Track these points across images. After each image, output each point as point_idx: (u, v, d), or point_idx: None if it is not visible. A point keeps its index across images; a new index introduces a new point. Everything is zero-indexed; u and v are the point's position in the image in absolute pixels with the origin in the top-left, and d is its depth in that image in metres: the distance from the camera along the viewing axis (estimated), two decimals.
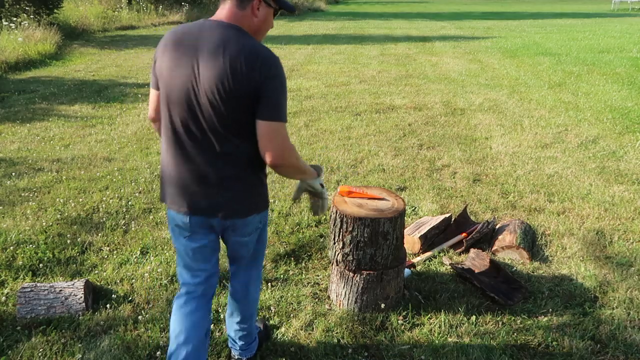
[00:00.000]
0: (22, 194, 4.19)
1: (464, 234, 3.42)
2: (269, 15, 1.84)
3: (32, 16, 13.23)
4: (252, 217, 1.94)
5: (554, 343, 2.51)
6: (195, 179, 1.84)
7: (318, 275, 3.08)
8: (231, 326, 2.29)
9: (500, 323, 2.65)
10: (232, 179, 1.84)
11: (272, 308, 2.76)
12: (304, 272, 3.12)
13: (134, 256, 3.28)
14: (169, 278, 3.03)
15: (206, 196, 1.85)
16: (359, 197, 2.73)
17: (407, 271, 3.01)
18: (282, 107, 1.75)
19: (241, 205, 1.89)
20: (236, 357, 2.33)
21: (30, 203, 4.03)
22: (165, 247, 3.39)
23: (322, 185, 2.10)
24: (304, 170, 1.96)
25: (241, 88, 1.69)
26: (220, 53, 1.70)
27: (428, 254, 3.25)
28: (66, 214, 3.86)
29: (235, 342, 2.31)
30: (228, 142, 1.78)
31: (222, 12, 1.79)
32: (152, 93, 1.91)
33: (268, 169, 1.91)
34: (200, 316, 2.03)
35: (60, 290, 2.69)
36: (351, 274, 2.64)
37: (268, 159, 1.77)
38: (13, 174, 4.60)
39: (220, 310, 2.74)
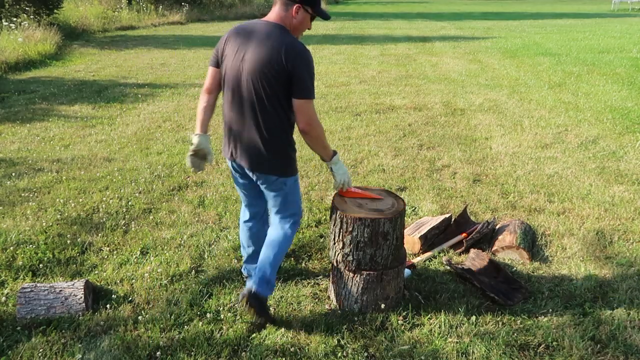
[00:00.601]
0: (22, 194, 4.19)
1: (464, 234, 3.42)
2: (306, 18, 2.37)
3: (32, 16, 13.23)
4: (274, 178, 2.51)
5: (554, 343, 2.50)
6: (235, 136, 2.50)
7: (318, 276, 3.08)
8: (254, 262, 2.85)
9: (500, 323, 2.65)
10: (258, 141, 2.42)
11: (272, 308, 2.76)
12: (304, 272, 3.12)
13: (134, 256, 3.28)
14: (169, 278, 3.03)
15: (240, 150, 2.50)
16: (359, 197, 2.72)
17: (407, 271, 3.00)
18: (310, 89, 2.31)
19: (262, 163, 2.48)
20: (248, 286, 2.59)
21: (30, 203, 4.03)
22: (166, 248, 3.40)
23: (331, 169, 2.59)
24: (324, 145, 2.47)
25: (278, 73, 2.27)
26: (264, 44, 2.29)
27: (428, 254, 3.25)
28: (66, 214, 3.86)
29: (252, 276, 2.71)
30: (259, 113, 2.38)
31: (272, 14, 2.36)
32: (210, 70, 2.54)
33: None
34: (255, 231, 2.84)
35: (60, 291, 2.69)
36: (351, 274, 2.64)
37: (299, 125, 2.36)
38: (13, 174, 4.61)
39: (220, 310, 2.74)
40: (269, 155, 2.45)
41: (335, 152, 2.54)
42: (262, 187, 2.59)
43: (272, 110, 2.37)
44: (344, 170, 2.61)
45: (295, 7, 2.31)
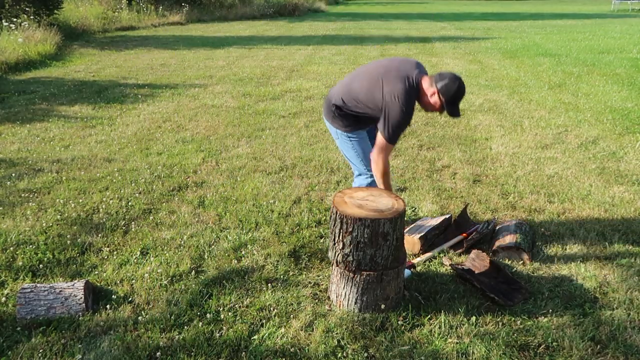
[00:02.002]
0: (22, 195, 4.19)
1: (463, 235, 3.42)
2: (436, 103, 2.74)
3: (32, 17, 13.23)
4: (330, 126, 3.13)
5: (554, 344, 2.50)
6: None
7: (318, 276, 3.08)
8: None
9: (501, 324, 2.65)
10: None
11: (272, 308, 2.76)
12: (304, 272, 3.12)
13: (134, 257, 3.28)
14: (169, 279, 3.03)
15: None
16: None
17: (407, 272, 3.01)
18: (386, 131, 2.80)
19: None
20: None
21: (30, 204, 4.03)
22: (165, 248, 3.40)
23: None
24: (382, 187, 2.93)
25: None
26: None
27: (428, 254, 3.25)
28: (66, 214, 3.86)
29: None
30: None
31: (426, 77, 2.80)
32: None
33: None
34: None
35: (60, 291, 2.69)
36: (351, 275, 2.64)
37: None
38: (13, 174, 4.61)
39: (220, 311, 2.74)
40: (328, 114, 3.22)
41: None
42: None
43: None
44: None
45: (433, 90, 2.71)
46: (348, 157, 3.22)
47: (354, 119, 3.03)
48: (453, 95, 2.71)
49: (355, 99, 2.93)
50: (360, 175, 3.21)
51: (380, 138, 2.80)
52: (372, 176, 3.11)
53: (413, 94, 2.74)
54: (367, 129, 3.17)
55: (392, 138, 2.77)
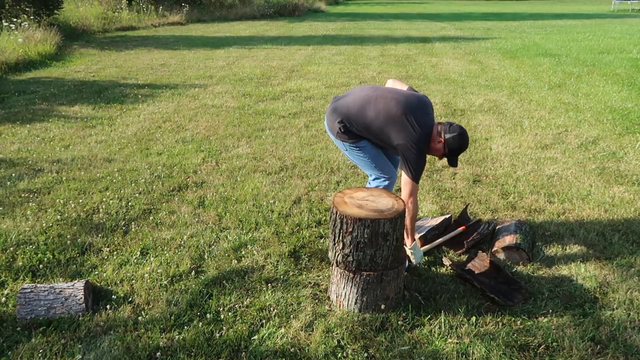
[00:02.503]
0: (22, 195, 4.19)
1: (463, 227, 3.44)
2: (440, 150, 2.88)
3: (32, 17, 13.23)
4: (335, 139, 3.17)
5: (554, 344, 2.50)
6: None
7: (318, 276, 3.08)
8: None
9: (501, 324, 2.65)
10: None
11: (272, 308, 2.76)
12: (304, 272, 3.12)
13: (134, 257, 3.28)
14: (169, 279, 3.03)
15: None
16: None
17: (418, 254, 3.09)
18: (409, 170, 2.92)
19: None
20: None
21: (30, 204, 4.03)
22: (165, 248, 3.40)
23: (411, 253, 3.05)
24: (408, 227, 2.98)
25: None
26: None
27: (426, 247, 3.27)
28: (66, 214, 3.86)
29: None
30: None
31: (436, 125, 2.92)
32: None
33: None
34: None
35: (60, 291, 2.69)
36: (351, 275, 2.64)
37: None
38: (13, 174, 4.61)
39: (220, 311, 2.74)
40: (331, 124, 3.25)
41: (414, 239, 3.04)
42: None
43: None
44: (420, 256, 3.08)
45: (439, 139, 2.86)
46: (360, 165, 3.25)
47: (360, 137, 3.08)
48: (457, 149, 2.87)
49: (367, 128, 2.99)
50: (377, 179, 3.23)
51: (407, 179, 2.90)
52: (388, 179, 3.19)
53: (426, 141, 2.88)
54: None
55: (417, 178, 2.90)
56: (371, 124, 2.95)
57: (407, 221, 2.92)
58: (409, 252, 3.03)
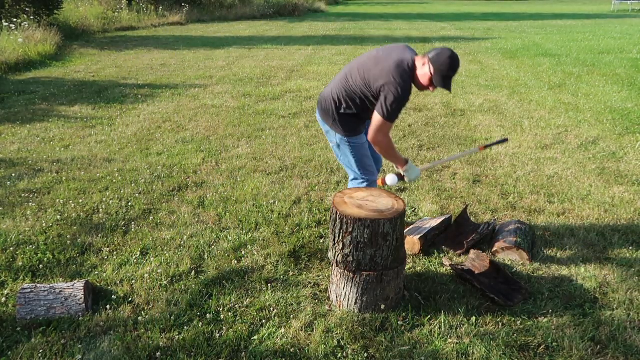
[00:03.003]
0: (22, 195, 4.19)
1: (481, 148, 3.41)
2: (426, 75, 2.70)
3: (32, 17, 13.23)
4: (329, 131, 3.07)
5: (554, 344, 2.50)
6: None
7: (318, 276, 3.08)
8: None
9: (501, 324, 2.65)
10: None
11: (272, 308, 2.76)
12: (304, 272, 3.12)
13: (134, 257, 3.28)
14: (169, 279, 3.03)
15: None
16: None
17: (393, 178, 3.06)
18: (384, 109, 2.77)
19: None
20: None
21: (30, 204, 4.03)
22: (165, 248, 3.40)
23: (401, 175, 3.01)
24: (391, 156, 2.91)
25: None
26: None
27: (434, 163, 3.32)
28: (66, 214, 3.86)
29: None
30: None
31: (419, 56, 2.80)
32: None
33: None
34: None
35: (60, 291, 2.69)
36: (351, 275, 2.64)
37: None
38: (13, 175, 4.61)
39: (220, 311, 2.74)
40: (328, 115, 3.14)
41: (406, 161, 2.96)
42: None
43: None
44: (416, 174, 3.00)
45: (424, 59, 2.72)
46: (344, 162, 3.19)
47: (355, 119, 3.00)
48: (443, 63, 2.65)
49: (354, 90, 2.91)
50: (355, 179, 3.19)
51: (376, 117, 2.76)
52: (367, 181, 3.14)
53: (409, 73, 2.73)
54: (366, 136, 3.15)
55: (391, 115, 2.73)
56: (356, 82, 2.89)
57: (386, 155, 2.92)
58: (402, 172, 3.00)
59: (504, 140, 3.35)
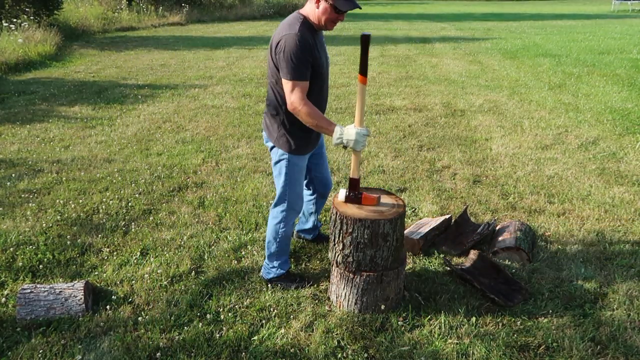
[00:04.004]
0: (22, 195, 4.19)
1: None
2: (327, 10, 2.43)
3: (32, 17, 13.24)
4: (272, 148, 2.76)
5: (554, 344, 2.50)
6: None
7: (318, 277, 3.07)
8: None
9: (501, 324, 2.65)
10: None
11: (272, 309, 2.76)
12: (304, 273, 3.12)
13: (134, 257, 3.28)
14: (169, 279, 3.03)
15: None
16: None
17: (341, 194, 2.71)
18: (286, 69, 2.45)
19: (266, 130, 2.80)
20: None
21: (30, 204, 4.03)
22: (165, 249, 3.39)
23: (343, 143, 2.53)
24: (317, 125, 2.54)
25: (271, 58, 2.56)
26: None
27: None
28: (66, 215, 3.86)
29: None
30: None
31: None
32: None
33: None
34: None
35: (60, 292, 2.69)
36: (351, 275, 2.64)
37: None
38: (13, 175, 4.61)
39: (220, 311, 2.74)
40: (269, 129, 2.78)
41: (335, 127, 2.53)
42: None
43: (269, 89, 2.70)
44: (355, 137, 2.49)
45: None
46: (276, 182, 2.83)
47: (299, 129, 2.66)
48: None
49: (276, 90, 2.62)
50: (277, 205, 2.85)
51: (283, 82, 2.49)
52: (287, 210, 2.83)
53: (300, 20, 2.48)
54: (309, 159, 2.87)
55: (294, 71, 2.43)
56: (272, 85, 2.64)
57: (308, 122, 2.51)
58: (337, 140, 2.52)
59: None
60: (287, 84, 2.48)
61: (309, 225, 3.36)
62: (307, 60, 2.46)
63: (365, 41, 2.43)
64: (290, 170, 2.75)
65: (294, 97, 2.47)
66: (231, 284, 2.99)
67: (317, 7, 2.46)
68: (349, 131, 2.50)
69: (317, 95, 2.64)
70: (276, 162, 2.77)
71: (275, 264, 2.95)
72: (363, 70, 2.49)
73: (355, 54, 12.31)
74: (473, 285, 2.92)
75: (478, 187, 4.40)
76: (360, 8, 2.50)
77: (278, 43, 2.47)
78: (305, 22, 2.51)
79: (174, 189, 4.38)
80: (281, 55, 2.44)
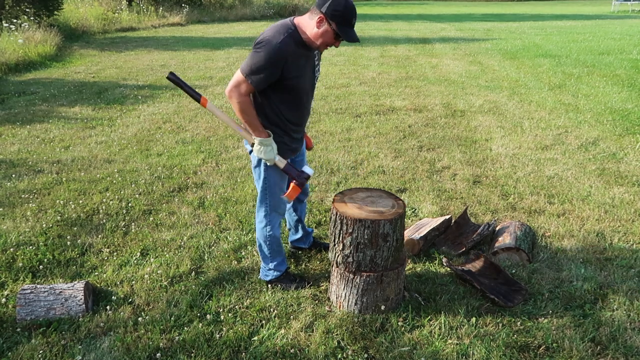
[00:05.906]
0: (22, 196, 4.19)
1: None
2: (328, 32, 2.35)
3: (32, 18, 13.24)
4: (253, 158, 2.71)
5: (554, 345, 2.50)
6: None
7: (318, 277, 3.07)
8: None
9: (501, 325, 2.65)
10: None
11: (272, 309, 2.76)
12: (304, 273, 3.12)
13: (134, 258, 3.28)
14: (169, 280, 3.03)
15: None
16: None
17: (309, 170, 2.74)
18: (246, 63, 2.38)
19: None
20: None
21: (30, 204, 4.03)
22: (165, 249, 3.40)
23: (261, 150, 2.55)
24: (248, 122, 2.50)
25: None
26: None
27: None
28: (66, 215, 3.86)
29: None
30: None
31: (302, 16, 2.44)
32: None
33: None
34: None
35: (60, 292, 2.69)
36: (351, 276, 2.64)
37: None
38: (13, 175, 4.61)
39: (220, 312, 2.74)
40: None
41: (269, 135, 2.55)
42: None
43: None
44: (270, 156, 2.56)
45: (319, 17, 2.32)
46: (258, 187, 2.81)
47: (278, 134, 2.63)
48: (342, 12, 2.29)
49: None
50: (259, 210, 2.84)
51: (237, 72, 2.42)
52: (269, 216, 2.81)
53: (289, 28, 2.37)
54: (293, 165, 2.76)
55: (251, 72, 2.35)
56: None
57: (239, 116, 2.47)
58: (256, 148, 2.55)
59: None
60: (238, 75, 2.39)
61: (300, 234, 3.29)
62: (271, 74, 2.37)
63: (172, 79, 2.57)
64: (268, 174, 2.71)
65: (236, 90, 2.41)
66: (231, 285, 2.99)
67: (318, 28, 2.34)
68: (270, 151, 2.55)
69: (293, 109, 2.59)
70: (255, 166, 2.74)
71: (271, 266, 2.94)
72: (196, 98, 2.63)
73: (356, 54, 12.32)
74: (473, 286, 2.92)
75: (478, 188, 4.40)
76: (359, 42, 2.41)
77: (259, 42, 2.36)
78: (294, 34, 2.37)
79: (174, 189, 4.38)
80: (253, 52, 2.36)
